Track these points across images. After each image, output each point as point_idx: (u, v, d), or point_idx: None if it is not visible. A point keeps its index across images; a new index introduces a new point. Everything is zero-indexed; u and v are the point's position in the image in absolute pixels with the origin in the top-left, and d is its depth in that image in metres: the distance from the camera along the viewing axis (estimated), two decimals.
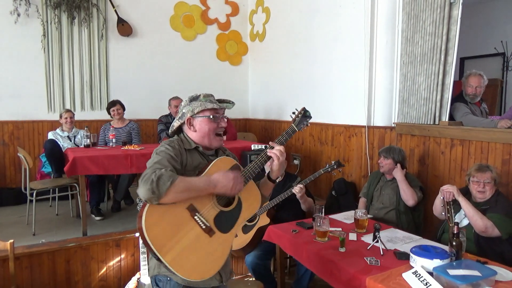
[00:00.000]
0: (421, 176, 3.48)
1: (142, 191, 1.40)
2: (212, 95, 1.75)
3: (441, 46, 3.23)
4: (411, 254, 1.98)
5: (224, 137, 1.72)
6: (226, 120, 1.73)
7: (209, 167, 1.61)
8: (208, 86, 5.85)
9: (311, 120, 1.80)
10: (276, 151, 1.64)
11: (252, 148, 4.17)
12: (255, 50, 6.22)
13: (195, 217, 1.54)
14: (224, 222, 1.60)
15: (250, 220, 3.10)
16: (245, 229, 3.10)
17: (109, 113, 4.54)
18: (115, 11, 5.28)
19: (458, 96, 3.44)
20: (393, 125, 3.81)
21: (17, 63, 4.82)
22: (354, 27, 4.04)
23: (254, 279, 3.03)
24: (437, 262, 1.86)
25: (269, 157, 1.66)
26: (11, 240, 2.52)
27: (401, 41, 3.66)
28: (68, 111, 4.43)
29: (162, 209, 1.48)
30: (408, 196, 2.98)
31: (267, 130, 5.87)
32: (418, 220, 3.10)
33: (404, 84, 3.63)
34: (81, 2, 5.00)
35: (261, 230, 2.95)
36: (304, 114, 1.78)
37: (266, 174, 1.77)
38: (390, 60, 3.84)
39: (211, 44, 6.06)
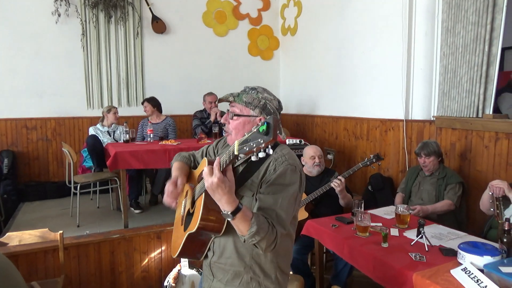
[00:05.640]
0: (462, 171, 3.38)
1: None
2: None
3: (485, 36, 3.12)
4: (459, 251, 1.93)
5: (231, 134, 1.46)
6: (227, 115, 1.47)
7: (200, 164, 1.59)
8: (240, 81, 5.88)
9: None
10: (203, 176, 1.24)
11: (287, 143, 4.17)
12: (286, 45, 6.19)
13: (185, 199, 1.59)
14: (187, 220, 1.47)
15: None
16: None
17: None
18: (150, 9, 5.39)
19: (506, 87, 3.31)
20: (432, 119, 3.72)
21: (58, 62, 5.02)
22: (391, 18, 3.95)
23: (292, 273, 3.04)
24: (487, 259, 1.80)
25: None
26: (61, 231, 2.64)
27: (441, 31, 3.56)
28: (115, 107, 4.60)
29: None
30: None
31: (299, 125, 5.85)
32: (460, 216, 3.02)
33: (445, 76, 3.53)
34: (118, 1, 5.13)
35: (299, 225, 2.94)
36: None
37: None
38: (430, 52, 3.73)
39: (243, 39, 6.09)
